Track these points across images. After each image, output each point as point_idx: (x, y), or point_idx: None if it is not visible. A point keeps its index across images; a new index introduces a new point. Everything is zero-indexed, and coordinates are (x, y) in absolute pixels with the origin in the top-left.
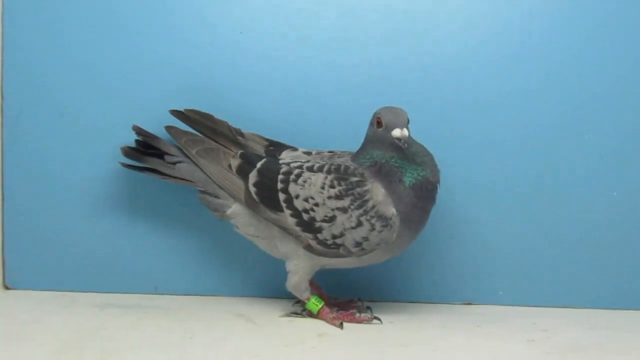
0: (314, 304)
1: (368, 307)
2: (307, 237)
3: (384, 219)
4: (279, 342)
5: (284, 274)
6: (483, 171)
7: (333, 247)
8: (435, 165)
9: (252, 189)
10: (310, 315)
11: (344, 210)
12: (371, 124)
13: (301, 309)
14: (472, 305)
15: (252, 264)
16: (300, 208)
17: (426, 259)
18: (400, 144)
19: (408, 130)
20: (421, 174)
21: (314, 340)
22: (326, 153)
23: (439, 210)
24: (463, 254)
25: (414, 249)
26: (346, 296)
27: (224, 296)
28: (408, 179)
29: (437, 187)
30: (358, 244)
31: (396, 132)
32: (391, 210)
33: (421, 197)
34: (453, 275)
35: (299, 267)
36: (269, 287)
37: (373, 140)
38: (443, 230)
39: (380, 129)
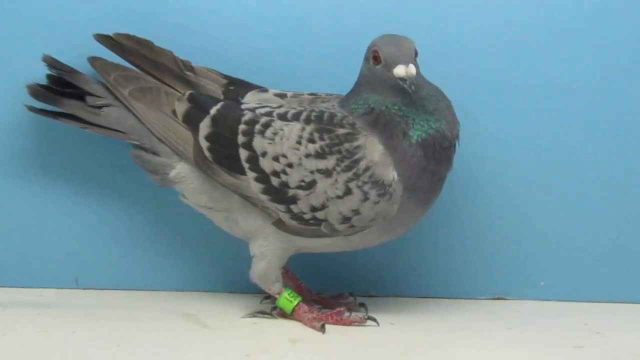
0: (287, 299)
1: (361, 305)
2: (278, 209)
3: (381, 186)
4: (238, 352)
5: (247, 260)
6: (519, 131)
7: (312, 224)
8: (453, 115)
9: (204, 144)
10: (283, 315)
11: (327, 173)
12: (366, 59)
13: (270, 307)
14: (504, 301)
15: (204, 246)
16: (268, 170)
17: (442, 240)
18: (405, 85)
19: (416, 67)
20: (433, 127)
21: (283, 349)
22: (306, 96)
23: (458, 176)
24: (493, 234)
25: (424, 228)
26: (333, 290)
27: (165, 291)
28: (415, 133)
29: (455, 145)
30: (346, 220)
31: (399, 70)
32: (391, 174)
33: (433, 158)
34: (479, 262)
35: (267, 251)
36: (227, 278)
37: (369, 80)
38: (465, 203)
39: (378, 66)
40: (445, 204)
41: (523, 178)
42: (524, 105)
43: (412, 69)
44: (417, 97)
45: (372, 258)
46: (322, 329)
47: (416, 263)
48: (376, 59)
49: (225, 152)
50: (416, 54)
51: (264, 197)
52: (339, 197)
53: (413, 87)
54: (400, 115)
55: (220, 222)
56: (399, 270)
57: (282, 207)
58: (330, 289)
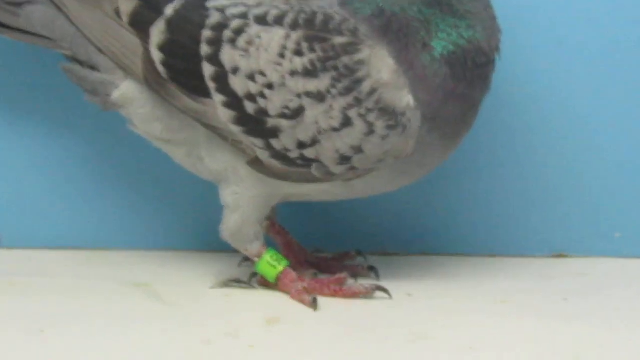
0: (270, 264)
1: (371, 268)
2: (254, 144)
3: (391, 115)
4: (195, 337)
5: (219, 211)
6: (582, 67)
7: (300, 165)
8: (493, 19)
9: (157, 56)
10: (265, 284)
11: (319, 97)
12: None
13: (249, 274)
14: (566, 259)
15: (164, 190)
16: (240, 92)
17: (477, 182)
18: None
19: None
20: (465, 35)
21: (255, 333)
22: None
23: (499, 104)
24: (549, 174)
25: (452, 167)
26: (335, 246)
27: (111, 250)
28: (440, 44)
29: (494, 61)
30: (344, 160)
31: None
32: (405, 99)
33: (463, 78)
34: (530, 209)
35: (242, 199)
36: (195, 232)
37: None
38: (510, 136)
39: None
40: (480, 136)
41: (591, 111)
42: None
43: None
44: None
45: (385, 206)
46: (313, 304)
47: (443, 210)
48: None
49: (184, 67)
50: None
51: (236, 129)
52: (334, 130)
53: None
54: (420, 20)
55: (182, 159)
56: (421, 221)
57: (259, 142)
58: (331, 246)
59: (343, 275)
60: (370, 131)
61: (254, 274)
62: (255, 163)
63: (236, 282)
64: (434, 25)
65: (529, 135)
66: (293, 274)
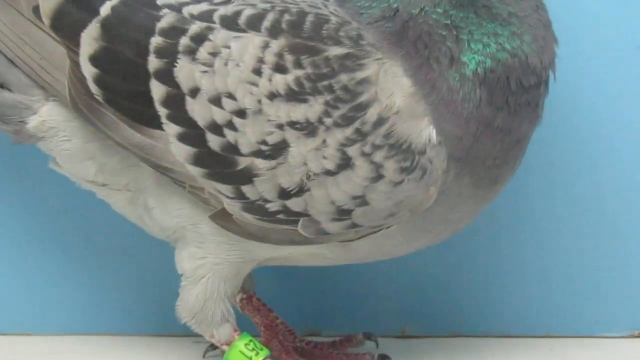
0: (244, 354)
1: (384, 358)
2: (220, 192)
3: (406, 154)
4: None
5: (176, 282)
6: None
7: (282, 220)
8: (547, 25)
9: (89, 71)
10: None
11: (308, 128)
12: None
13: None
14: None
15: (104, 259)
16: (202, 120)
17: (526, 243)
18: None
19: None
20: (508, 47)
21: None
22: None
23: (553, 138)
24: (622, 234)
25: (490, 222)
26: (335, 327)
27: (37, 335)
28: (473, 58)
29: (546, 81)
30: (343, 214)
31: None
32: (425, 132)
33: (505, 105)
34: (604, 279)
35: (205, 266)
36: (141, 313)
37: None
38: (566, 183)
39: None
40: (528, 181)
41: None
42: None
43: None
44: None
45: (401, 273)
46: None
47: (479, 279)
48: None
49: (125, 87)
50: None
51: (195, 171)
52: (329, 173)
53: None
54: (447, 25)
55: (123, 209)
56: (450, 293)
57: (227, 190)
58: (329, 327)
59: None
60: (378, 175)
61: None
62: (221, 218)
63: None
64: (465, 32)
65: (598, 182)
66: None
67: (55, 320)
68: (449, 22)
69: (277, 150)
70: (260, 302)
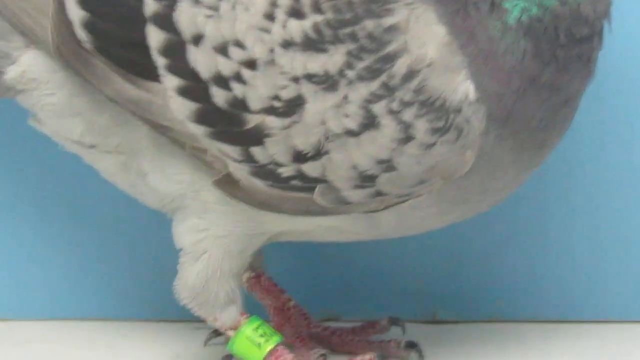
0: (252, 341)
1: (411, 345)
2: (225, 154)
3: (438, 111)
4: None
5: (173, 261)
6: None
7: (297, 187)
8: None
9: (77, 14)
10: None
11: (327, 81)
12: None
13: (222, 357)
14: None
15: (90, 233)
16: (206, 72)
17: (578, 218)
18: None
19: None
20: None
21: None
22: None
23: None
24: None
25: (539, 192)
26: (357, 312)
27: (18, 321)
28: (517, 5)
29: (600, 33)
30: (366, 180)
31: None
32: (461, 88)
33: (553, 59)
34: None
35: (208, 240)
36: (135, 297)
37: None
38: (617, 149)
39: None
40: (577, 142)
41: None
42: None
43: None
44: None
45: (432, 248)
46: None
47: (523, 257)
48: None
49: (118, 33)
50: None
51: (197, 130)
52: (351, 134)
53: None
54: None
55: (114, 174)
56: (489, 273)
57: (234, 152)
58: (349, 311)
59: (368, 356)
60: (407, 137)
61: (227, 357)
62: (227, 184)
63: None
64: None
65: None
66: (287, 357)
67: (37, 305)
68: None
69: (292, 107)
70: (270, 282)
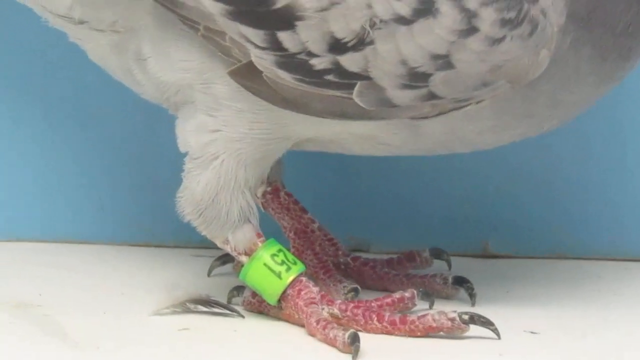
0: (270, 269)
1: (460, 281)
2: (246, 38)
3: None
4: None
5: (173, 173)
6: None
7: (332, 83)
8: None
9: None
10: (257, 307)
11: None
12: None
13: (230, 292)
14: None
15: (69, 134)
16: None
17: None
18: None
19: None
20: None
21: None
22: None
23: None
24: None
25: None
26: (394, 241)
27: (13, 241)
28: None
29: None
30: (417, 79)
31: None
32: None
33: None
34: None
35: (220, 142)
36: (126, 218)
37: None
38: None
39: None
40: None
41: None
42: None
43: None
44: None
45: (485, 168)
46: (350, 347)
47: (585, 188)
48: None
49: None
50: None
51: (215, 7)
52: (401, 21)
53: None
54: None
55: (104, 57)
56: (549, 204)
57: (257, 36)
58: (386, 240)
59: (407, 294)
60: (470, 28)
61: (237, 289)
62: (246, 75)
63: (204, 305)
64: None
65: None
66: (313, 290)
67: (33, 226)
68: None
69: None
70: (291, 199)
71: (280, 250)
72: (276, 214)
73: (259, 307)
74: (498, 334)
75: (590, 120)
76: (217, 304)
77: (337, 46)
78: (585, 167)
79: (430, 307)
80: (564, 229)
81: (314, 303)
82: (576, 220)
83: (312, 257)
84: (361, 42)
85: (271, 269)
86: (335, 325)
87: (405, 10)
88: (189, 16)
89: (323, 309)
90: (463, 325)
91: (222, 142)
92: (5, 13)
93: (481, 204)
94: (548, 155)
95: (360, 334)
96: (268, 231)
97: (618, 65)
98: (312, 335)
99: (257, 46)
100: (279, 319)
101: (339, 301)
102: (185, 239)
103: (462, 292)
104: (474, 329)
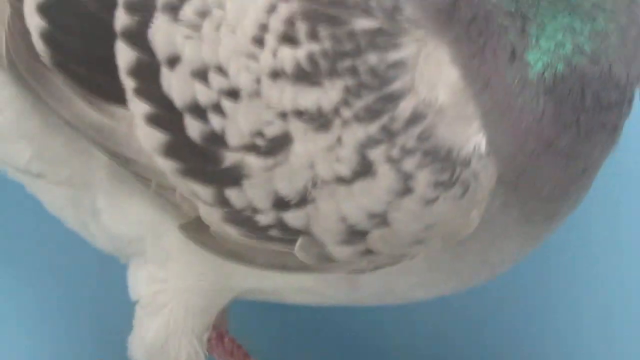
0: None
1: None
2: (196, 195)
3: (444, 162)
4: None
5: (124, 313)
6: None
7: (275, 238)
8: (638, 20)
9: (35, 23)
10: None
11: (319, 119)
12: None
13: None
14: None
15: (30, 276)
16: (180, 99)
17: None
18: None
19: None
20: (587, 49)
21: None
22: None
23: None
24: None
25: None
26: None
27: None
28: (541, 58)
29: (631, 100)
30: (355, 236)
31: None
32: (473, 139)
33: (575, 123)
34: None
35: (168, 292)
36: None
37: None
38: None
39: None
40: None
41: None
42: None
43: None
44: None
45: (424, 319)
46: None
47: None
48: None
49: (81, 48)
50: None
51: (166, 165)
52: (342, 181)
53: None
54: (511, 13)
55: (61, 209)
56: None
57: (206, 193)
58: None
59: None
60: (406, 189)
61: None
62: (195, 229)
63: None
64: (534, 25)
65: None
66: None
67: None
68: (513, 8)
69: (277, 146)
70: (234, 344)
71: None
72: (221, 359)
73: None
74: None
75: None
76: None
77: (281, 204)
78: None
79: None
80: None
81: None
82: None
83: None
84: (303, 201)
85: None
86: None
87: (345, 171)
88: (142, 173)
89: None
90: None
91: (171, 291)
92: None
93: (417, 349)
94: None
95: None
96: None
97: (543, 226)
98: None
99: (205, 202)
100: None
101: None
102: None
103: None
104: None
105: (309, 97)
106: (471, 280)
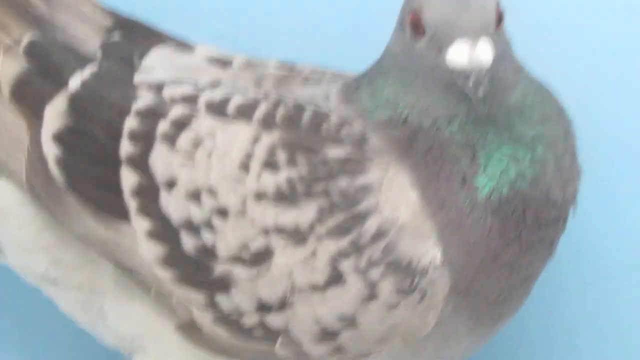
0: None
1: None
2: (190, 300)
3: (405, 273)
4: None
5: None
6: None
7: (259, 337)
8: (573, 155)
9: (52, 151)
10: None
11: (297, 235)
12: (399, 24)
13: None
14: None
15: None
16: (177, 217)
17: None
18: (467, 85)
19: (496, 48)
20: (528, 175)
21: None
22: (273, 70)
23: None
24: None
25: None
26: None
27: None
28: (488, 183)
29: (566, 217)
30: (328, 336)
31: (458, 55)
32: (430, 253)
33: (516, 239)
34: None
35: None
36: None
37: (402, 65)
38: None
39: (419, 41)
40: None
41: None
42: None
43: (484, 52)
44: (496, 109)
45: None
46: None
47: None
48: (416, 26)
49: (91, 173)
50: (500, 18)
51: (164, 274)
52: (317, 288)
53: (482, 91)
54: (462, 144)
55: (73, 311)
56: None
57: (199, 298)
58: None
59: None
60: (371, 295)
61: None
62: (189, 329)
63: None
64: (483, 152)
65: None
66: None
67: None
68: (464, 140)
69: (260, 258)
70: None
71: None
72: None
73: None
74: None
75: None
76: None
77: (264, 307)
78: None
79: None
80: None
81: None
82: None
83: None
84: (283, 305)
85: None
86: None
87: (319, 280)
88: (143, 280)
89: None
90: None
91: None
92: None
93: None
94: None
95: None
96: None
97: (489, 327)
98: None
99: (198, 306)
100: None
101: None
102: None
103: None
104: None
105: (288, 216)
106: None
